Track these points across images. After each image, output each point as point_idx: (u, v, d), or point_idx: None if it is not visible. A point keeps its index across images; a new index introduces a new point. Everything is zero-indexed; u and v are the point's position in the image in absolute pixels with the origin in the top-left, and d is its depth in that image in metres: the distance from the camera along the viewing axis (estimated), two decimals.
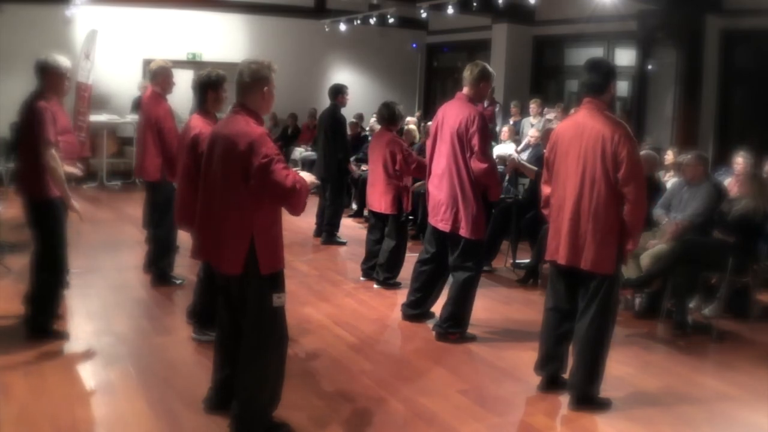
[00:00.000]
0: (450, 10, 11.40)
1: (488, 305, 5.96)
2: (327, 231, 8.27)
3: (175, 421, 3.71)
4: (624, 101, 11.32)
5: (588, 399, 4.05)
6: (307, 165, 11.99)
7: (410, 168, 6.39)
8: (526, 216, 6.99)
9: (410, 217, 7.72)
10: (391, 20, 13.24)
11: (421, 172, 6.37)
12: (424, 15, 12.75)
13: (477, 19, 13.16)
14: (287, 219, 3.57)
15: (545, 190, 4.26)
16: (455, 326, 5.08)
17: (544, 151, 7.42)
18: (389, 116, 6.65)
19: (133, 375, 4.27)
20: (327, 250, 8.04)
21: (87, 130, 10.72)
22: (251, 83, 3.42)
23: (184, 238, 5.47)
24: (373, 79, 15.26)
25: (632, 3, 9.58)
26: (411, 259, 6.78)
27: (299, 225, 8.20)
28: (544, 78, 13.37)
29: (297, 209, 3.41)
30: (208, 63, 10.70)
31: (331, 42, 14.59)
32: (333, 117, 8.25)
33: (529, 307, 6.05)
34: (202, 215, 3.52)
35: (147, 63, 12.53)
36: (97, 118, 11.50)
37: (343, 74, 14.45)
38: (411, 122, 10.21)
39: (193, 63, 12.81)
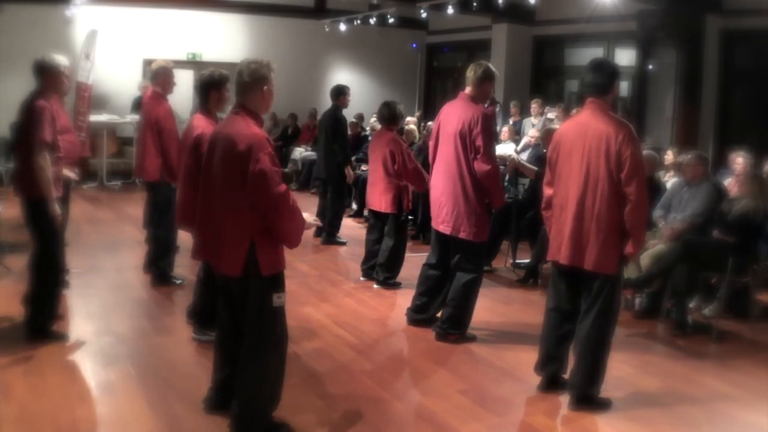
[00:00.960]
0: (450, 10, 11.40)
1: (488, 305, 5.96)
2: (327, 232, 8.27)
3: (175, 421, 3.71)
4: (624, 101, 11.31)
5: (588, 399, 4.05)
6: (307, 165, 12.02)
7: (408, 170, 6.37)
8: (526, 216, 6.99)
9: (410, 217, 7.72)
10: (391, 20, 13.24)
11: (418, 178, 6.36)
12: (424, 15, 12.75)
13: (477, 19, 13.16)
14: None
15: (547, 191, 4.24)
16: (455, 327, 5.07)
17: (544, 150, 7.42)
18: (390, 116, 6.65)
19: (133, 375, 4.27)
20: (327, 250, 8.03)
21: (87, 130, 10.71)
22: (251, 83, 3.42)
23: (184, 238, 5.47)
24: (373, 79, 15.26)
25: (632, 3, 9.58)
26: (411, 259, 6.81)
27: None
28: (544, 78, 13.36)
29: (290, 237, 3.35)
30: (208, 63, 10.73)
31: (331, 42, 14.59)
32: (334, 118, 8.25)
33: (529, 307, 6.05)
34: (202, 215, 3.52)
35: (147, 63, 12.58)
36: (97, 118, 11.50)
37: (343, 74, 14.46)
38: (411, 122, 10.22)
39: (193, 63, 12.82)
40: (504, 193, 5.23)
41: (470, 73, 5.01)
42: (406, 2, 12.31)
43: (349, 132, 9.65)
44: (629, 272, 5.66)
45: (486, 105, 11.07)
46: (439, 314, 5.27)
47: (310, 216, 3.58)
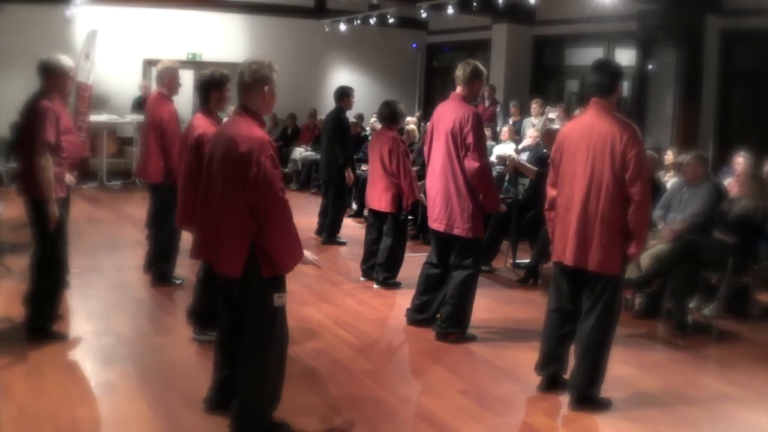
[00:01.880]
0: (450, 10, 11.40)
1: (488, 305, 5.96)
2: (328, 232, 8.29)
3: (175, 421, 3.71)
4: (624, 101, 11.31)
5: (588, 399, 4.05)
6: (307, 165, 12.02)
7: (400, 172, 6.35)
8: (526, 216, 7.00)
9: (410, 217, 7.72)
10: (391, 20, 13.24)
11: (408, 186, 6.35)
12: (424, 15, 12.74)
13: (477, 19, 13.16)
14: None
15: (551, 192, 4.22)
16: (455, 326, 5.07)
17: (545, 150, 7.42)
18: (390, 115, 6.66)
19: (133, 375, 4.27)
20: (327, 250, 8.04)
21: (87, 130, 10.71)
22: (252, 83, 3.42)
23: (184, 238, 5.47)
24: (373, 79, 15.25)
25: (632, 3, 9.58)
26: (411, 258, 6.81)
27: (299, 225, 8.10)
28: (544, 78, 13.36)
29: (281, 254, 3.32)
30: (208, 63, 10.71)
31: (331, 42, 14.58)
32: (337, 119, 8.25)
33: (529, 307, 6.05)
34: (202, 215, 3.52)
35: (147, 63, 12.65)
36: (97, 118, 11.49)
37: (343, 74, 14.46)
38: (411, 122, 10.21)
39: (193, 63, 12.80)
40: (497, 195, 5.20)
41: (459, 73, 5.04)
42: (406, 2, 12.30)
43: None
44: (629, 272, 5.64)
45: (487, 105, 11.13)
46: (439, 314, 5.27)
47: (311, 254, 3.58)
